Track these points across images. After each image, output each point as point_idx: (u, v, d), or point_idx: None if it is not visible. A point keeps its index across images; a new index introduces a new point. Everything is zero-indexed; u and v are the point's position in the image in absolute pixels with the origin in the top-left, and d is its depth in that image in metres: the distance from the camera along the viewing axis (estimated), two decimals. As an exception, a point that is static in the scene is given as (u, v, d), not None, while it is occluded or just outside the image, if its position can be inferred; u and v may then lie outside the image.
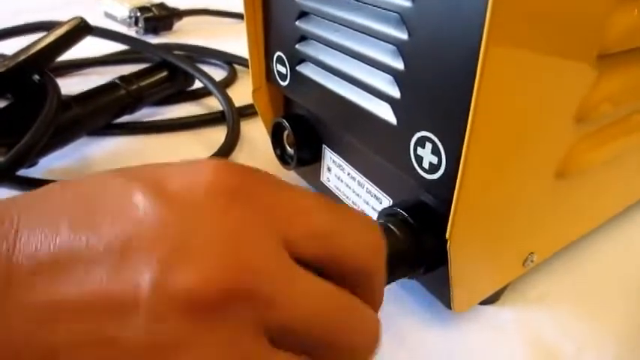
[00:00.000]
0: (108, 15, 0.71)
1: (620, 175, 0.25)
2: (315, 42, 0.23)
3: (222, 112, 0.40)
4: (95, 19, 0.54)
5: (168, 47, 0.50)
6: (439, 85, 0.16)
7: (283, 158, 0.29)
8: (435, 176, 0.18)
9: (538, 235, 0.22)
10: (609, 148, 0.22)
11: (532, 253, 0.23)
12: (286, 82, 0.26)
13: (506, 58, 0.14)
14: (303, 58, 0.24)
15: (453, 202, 0.16)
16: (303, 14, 0.23)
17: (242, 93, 0.41)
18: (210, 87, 0.41)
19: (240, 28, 0.56)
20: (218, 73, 0.48)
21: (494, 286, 0.22)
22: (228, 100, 0.39)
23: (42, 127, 0.30)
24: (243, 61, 0.50)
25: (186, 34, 0.63)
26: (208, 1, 0.71)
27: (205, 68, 0.44)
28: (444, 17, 0.15)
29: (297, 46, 0.24)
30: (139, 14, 0.61)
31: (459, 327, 0.23)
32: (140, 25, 0.61)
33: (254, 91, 0.28)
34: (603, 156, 0.22)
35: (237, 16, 0.68)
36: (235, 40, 0.57)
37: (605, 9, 0.16)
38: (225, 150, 0.35)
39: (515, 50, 0.14)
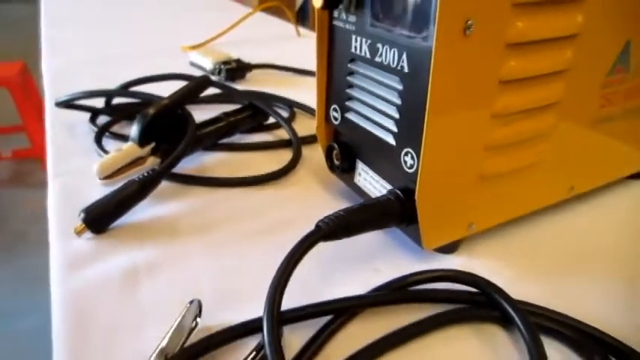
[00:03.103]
0: (193, 64, 0.93)
1: (535, 178, 0.43)
2: (356, 101, 0.42)
3: (289, 140, 0.59)
4: (183, 68, 0.77)
5: (249, 94, 0.70)
6: (412, 126, 0.35)
7: (332, 168, 0.48)
8: (412, 170, 0.36)
9: (475, 212, 0.40)
10: (515, 158, 0.39)
11: (472, 222, 0.40)
12: (338, 122, 0.45)
13: (438, 117, 0.33)
14: (349, 109, 0.43)
15: (418, 180, 0.35)
16: (349, 85, 0.42)
17: (300, 127, 0.61)
18: (281, 122, 0.60)
19: (295, 80, 0.80)
20: (282, 113, 0.67)
21: (448, 237, 0.40)
22: (293, 131, 0.58)
23: (187, 143, 0.50)
24: (299, 105, 0.70)
25: (255, 82, 0.84)
26: (272, 57, 0.92)
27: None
28: (410, 88, 0.34)
29: (346, 102, 0.43)
30: (222, 66, 0.82)
31: (424, 264, 0.40)
32: (222, 74, 0.82)
33: (317, 127, 0.47)
34: (510, 165, 0.39)
35: (294, 70, 0.88)
36: (292, 89, 0.78)
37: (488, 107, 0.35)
38: (291, 165, 0.54)
39: (442, 113, 0.33)
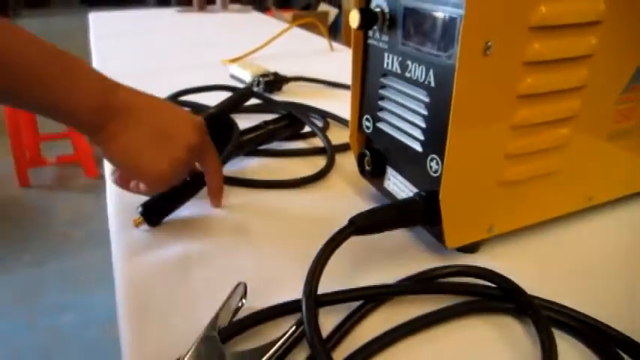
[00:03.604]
0: (233, 76, 0.99)
1: (553, 186, 0.46)
2: (387, 112, 0.46)
3: (322, 148, 0.64)
4: (224, 79, 0.82)
5: (287, 104, 0.75)
6: (437, 135, 0.39)
7: (363, 173, 0.52)
8: (437, 174, 0.40)
9: (495, 215, 0.44)
10: (533, 167, 0.43)
11: (492, 225, 0.44)
12: (370, 131, 0.49)
13: (460, 127, 0.37)
14: (380, 119, 0.47)
15: (441, 183, 0.39)
16: (381, 97, 0.46)
17: (333, 136, 0.65)
18: (317, 131, 0.65)
19: (328, 93, 0.85)
20: (316, 123, 0.72)
21: (469, 238, 0.43)
22: (327, 140, 0.63)
23: (232, 147, 0.55)
24: (332, 116, 0.75)
25: (291, 94, 0.89)
26: (306, 71, 0.97)
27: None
28: (436, 101, 0.38)
29: (378, 113, 0.47)
30: (260, 79, 0.88)
31: (446, 261, 0.44)
32: (261, 86, 0.87)
33: (350, 135, 0.52)
34: (529, 173, 0.43)
35: (327, 83, 0.93)
36: (325, 100, 0.82)
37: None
38: (325, 170, 0.59)
39: (464, 124, 0.37)
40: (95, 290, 1.59)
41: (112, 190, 0.56)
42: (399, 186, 0.48)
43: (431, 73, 0.38)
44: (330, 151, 0.61)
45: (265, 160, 0.62)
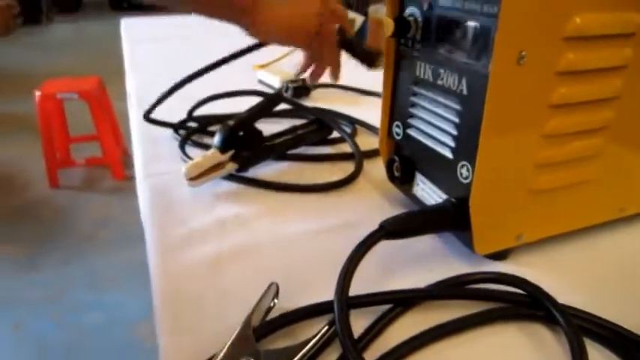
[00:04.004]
0: (261, 82, 1.00)
1: (584, 196, 0.46)
2: (417, 119, 0.47)
3: (350, 153, 0.64)
4: (252, 84, 0.84)
5: (316, 110, 0.76)
6: (468, 142, 0.39)
7: (392, 179, 0.53)
8: (467, 181, 0.40)
9: (524, 224, 0.44)
10: (563, 176, 0.43)
11: (521, 233, 0.44)
12: (399, 137, 0.50)
13: (492, 135, 0.37)
14: (410, 126, 0.48)
15: (472, 190, 0.39)
16: (412, 104, 0.47)
17: (360, 142, 0.66)
18: (345, 137, 0.66)
19: (355, 99, 0.86)
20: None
21: (499, 245, 0.44)
22: (356, 145, 0.64)
23: (256, 152, 0.56)
24: (360, 122, 0.75)
25: (318, 100, 0.90)
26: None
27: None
28: (468, 109, 0.39)
29: (408, 120, 0.48)
30: (289, 84, 0.89)
31: (475, 268, 0.44)
32: (289, 92, 0.89)
33: (380, 141, 0.53)
34: (559, 183, 0.43)
35: (354, 90, 0.94)
36: (352, 106, 0.83)
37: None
38: (354, 175, 0.59)
39: (496, 132, 0.37)
40: (121, 290, 1.62)
41: (144, 189, 0.57)
42: (428, 192, 0.48)
43: (463, 81, 0.39)
44: (359, 157, 0.62)
45: (294, 164, 0.63)
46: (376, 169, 0.62)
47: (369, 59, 0.72)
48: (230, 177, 0.58)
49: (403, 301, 0.38)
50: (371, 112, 0.79)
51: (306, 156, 0.65)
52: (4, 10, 2.39)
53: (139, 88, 0.95)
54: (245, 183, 0.57)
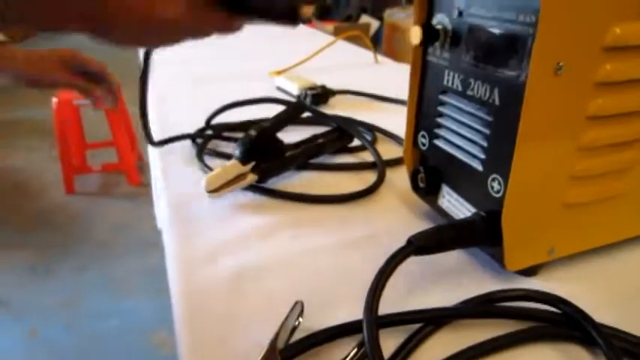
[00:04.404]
0: (279, 89, 0.99)
1: (619, 210, 0.44)
2: (444, 129, 0.45)
3: (372, 162, 0.63)
4: (270, 91, 0.83)
5: (338, 118, 0.75)
6: (500, 154, 0.38)
7: (416, 190, 0.52)
8: (499, 195, 0.39)
9: (557, 238, 0.42)
10: (598, 189, 0.41)
11: (553, 248, 0.42)
12: (425, 147, 0.48)
13: (527, 147, 0.36)
14: (437, 136, 0.46)
15: (504, 204, 0.38)
16: (439, 114, 0.46)
17: (382, 151, 0.65)
18: (367, 145, 0.65)
19: (376, 106, 0.84)
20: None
21: (530, 260, 0.42)
22: (378, 154, 0.63)
23: (277, 163, 0.55)
24: (380, 130, 0.74)
25: (338, 107, 0.89)
26: (351, 84, 0.97)
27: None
28: (500, 120, 0.37)
29: (435, 129, 0.46)
30: (308, 91, 0.88)
31: (505, 284, 0.43)
32: (308, 99, 0.88)
33: (405, 151, 0.51)
34: (594, 196, 0.41)
35: (375, 97, 0.93)
36: (373, 114, 0.82)
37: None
38: (376, 185, 0.58)
39: (531, 145, 0.36)
40: (136, 297, 1.62)
41: (163, 201, 0.57)
42: (455, 204, 0.47)
43: (496, 91, 0.38)
44: (381, 166, 0.60)
45: (314, 173, 0.62)
46: (399, 178, 0.61)
47: (286, 14, 0.45)
48: (250, 187, 0.57)
49: (435, 320, 0.37)
50: (391, 119, 0.78)
51: (327, 165, 0.64)
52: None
53: (153, 92, 0.94)
54: (265, 194, 0.56)
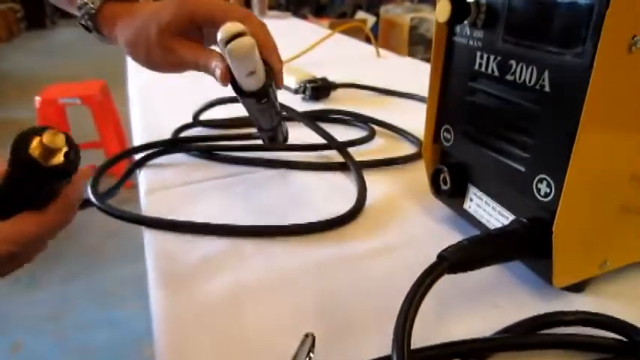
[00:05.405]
0: (275, 82, 0.92)
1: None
2: (475, 122, 0.39)
3: (382, 160, 0.57)
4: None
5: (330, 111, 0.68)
6: (550, 151, 0.31)
7: (437, 192, 0.45)
8: (548, 199, 0.32)
9: (611, 248, 0.36)
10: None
11: (606, 260, 0.36)
12: (449, 144, 0.42)
13: (589, 143, 0.29)
14: (465, 131, 0.40)
15: (557, 211, 0.31)
16: (468, 104, 0.39)
17: (387, 147, 0.58)
18: (353, 168, 0.58)
19: (379, 100, 0.76)
20: (360, 132, 0.65)
21: (581, 275, 0.36)
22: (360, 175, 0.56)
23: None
24: (379, 123, 0.67)
25: (339, 101, 0.82)
26: (352, 77, 0.90)
27: (351, 128, 0.66)
28: (551, 109, 0.31)
29: (463, 123, 0.40)
30: (307, 85, 0.81)
31: (548, 302, 0.36)
32: (307, 93, 0.81)
33: (424, 148, 0.45)
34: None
35: (378, 90, 0.87)
36: (375, 107, 0.75)
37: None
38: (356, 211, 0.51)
39: (595, 139, 0.29)
40: (127, 306, 1.54)
41: (144, 202, 0.50)
42: (486, 209, 0.40)
43: (545, 75, 0.31)
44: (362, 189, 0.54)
45: (312, 174, 0.56)
46: (412, 178, 0.54)
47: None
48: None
49: (474, 353, 0.30)
50: (396, 113, 0.71)
51: (329, 165, 0.57)
52: (8, 15, 2.34)
53: (139, 89, 0.88)
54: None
